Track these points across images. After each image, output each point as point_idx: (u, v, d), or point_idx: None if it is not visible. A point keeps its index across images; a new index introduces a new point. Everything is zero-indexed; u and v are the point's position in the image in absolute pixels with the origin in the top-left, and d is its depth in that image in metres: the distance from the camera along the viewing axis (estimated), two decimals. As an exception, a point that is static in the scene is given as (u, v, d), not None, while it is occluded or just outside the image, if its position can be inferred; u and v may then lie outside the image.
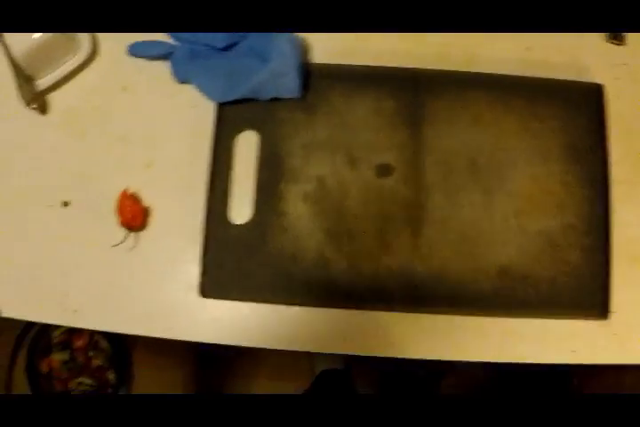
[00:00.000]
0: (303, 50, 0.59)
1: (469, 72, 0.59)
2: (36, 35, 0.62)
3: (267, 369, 1.20)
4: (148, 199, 0.60)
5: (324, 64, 0.59)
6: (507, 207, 0.57)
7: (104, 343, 1.18)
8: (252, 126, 0.58)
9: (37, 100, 0.63)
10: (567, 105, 0.59)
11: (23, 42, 0.62)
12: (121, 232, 0.59)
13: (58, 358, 1.18)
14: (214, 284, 0.56)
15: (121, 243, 0.59)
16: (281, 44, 0.56)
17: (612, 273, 0.57)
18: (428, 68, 0.58)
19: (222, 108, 0.59)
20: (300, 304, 0.56)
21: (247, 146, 0.58)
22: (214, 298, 0.56)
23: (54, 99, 0.64)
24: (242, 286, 0.56)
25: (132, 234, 0.59)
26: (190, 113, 0.61)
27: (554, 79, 0.59)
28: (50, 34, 0.61)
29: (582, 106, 0.59)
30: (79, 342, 1.18)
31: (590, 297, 0.56)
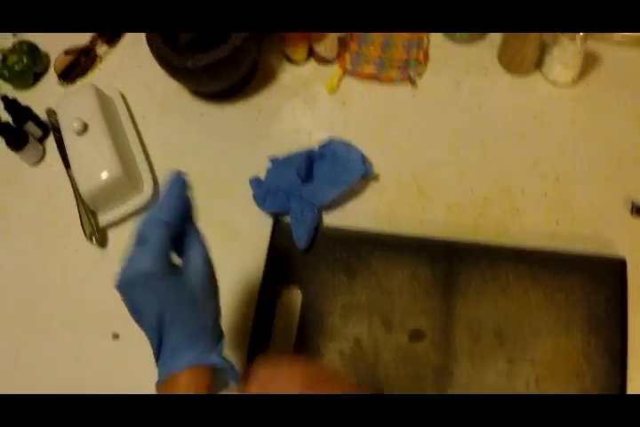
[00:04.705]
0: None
1: (501, 246, 0.63)
2: (105, 174, 0.67)
3: None
4: (194, 341, 0.64)
5: (368, 231, 0.64)
6: (528, 374, 0.61)
7: None
8: (297, 283, 0.63)
9: (98, 235, 0.69)
10: (591, 278, 0.63)
11: (91, 179, 0.68)
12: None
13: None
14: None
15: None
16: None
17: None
18: (463, 239, 0.63)
19: (271, 262, 0.64)
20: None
21: (290, 300, 0.63)
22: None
23: (114, 235, 0.70)
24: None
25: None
26: (240, 264, 0.66)
27: (579, 254, 0.63)
28: (117, 175, 0.67)
29: (606, 279, 0.63)
30: None
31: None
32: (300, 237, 0.64)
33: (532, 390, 0.61)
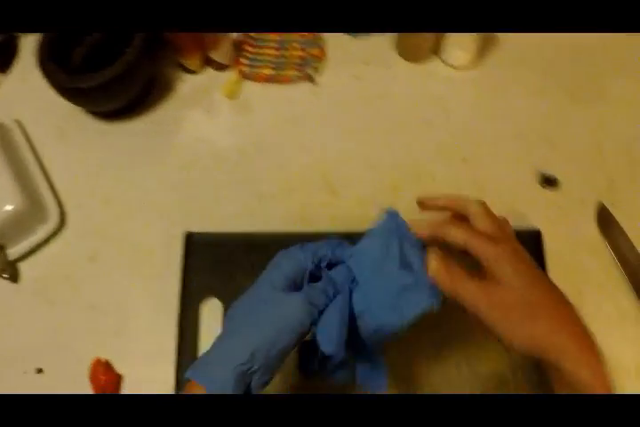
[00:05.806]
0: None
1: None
2: (8, 206, 0.65)
3: None
4: (119, 367, 0.62)
5: (279, 232, 0.63)
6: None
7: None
8: (216, 294, 0.62)
9: (9, 269, 0.66)
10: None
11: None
12: (95, 399, 0.60)
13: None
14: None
15: (95, 410, 0.60)
16: None
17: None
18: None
19: (187, 277, 0.62)
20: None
21: (212, 312, 0.61)
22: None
23: (25, 268, 0.67)
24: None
25: (106, 400, 0.61)
26: (156, 283, 0.64)
27: (496, 230, 0.64)
28: (21, 206, 0.64)
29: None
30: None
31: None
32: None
33: (465, 372, 0.61)
